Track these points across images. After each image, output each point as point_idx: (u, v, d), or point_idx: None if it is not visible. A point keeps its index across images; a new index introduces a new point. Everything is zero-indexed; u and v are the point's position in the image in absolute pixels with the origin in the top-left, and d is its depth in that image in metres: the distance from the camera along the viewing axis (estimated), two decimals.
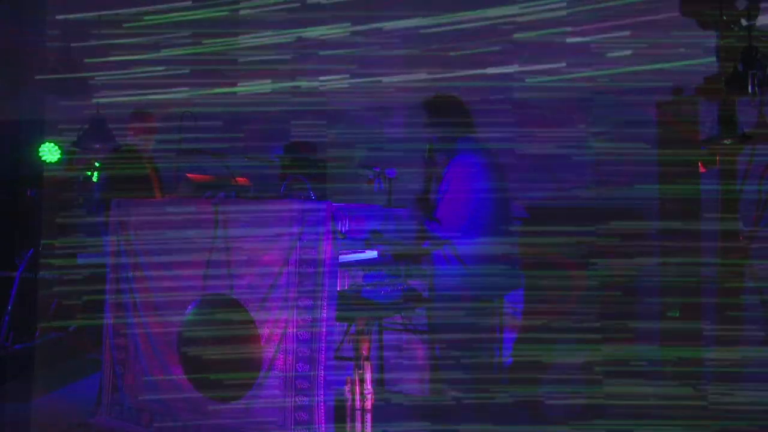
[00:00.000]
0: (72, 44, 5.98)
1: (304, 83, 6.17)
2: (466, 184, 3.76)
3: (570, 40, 5.30)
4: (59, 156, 6.28)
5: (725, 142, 4.50)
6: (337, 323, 3.38)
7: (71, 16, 5.91)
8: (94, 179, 4.65)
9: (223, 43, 6.07)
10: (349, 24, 5.86)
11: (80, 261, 5.43)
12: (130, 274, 3.84)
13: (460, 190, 3.76)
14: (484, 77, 5.58)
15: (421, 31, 5.71)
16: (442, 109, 3.96)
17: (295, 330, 3.31)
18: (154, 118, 4.87)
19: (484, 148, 3.95)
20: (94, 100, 6.15)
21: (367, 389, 3.32)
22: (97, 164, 6.19)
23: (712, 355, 4.57)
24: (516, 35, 5.43)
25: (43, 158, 6.26)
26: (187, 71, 6.13)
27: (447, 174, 3.82)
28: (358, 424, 3.31)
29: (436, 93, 4.13)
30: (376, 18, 5.81)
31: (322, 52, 6.07)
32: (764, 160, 4.65)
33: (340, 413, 3.29)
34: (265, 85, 6.12)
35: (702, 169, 4.89)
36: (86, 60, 6.08)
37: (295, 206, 3.37)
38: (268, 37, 6.05)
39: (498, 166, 3.94)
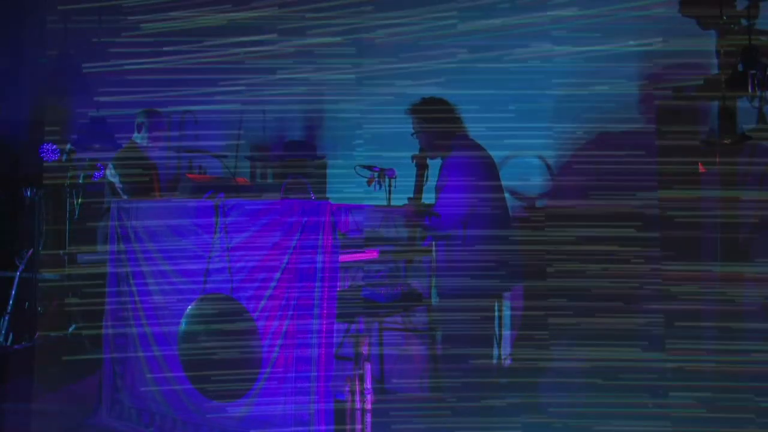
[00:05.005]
0: (72, 43, 5.97)
1: (305, 82, 6.17)
2: (464, 180, 3.76)
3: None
4: (59, 156, 6.27)
5: (725, 142, 4.49)
6: (337, 323, 3.39)
7: (71, 14, 5.91)
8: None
9: (225, 42, 6.06)
10: (348, 18, 5.84)
11: (80, 261, 5.43)
12: (131, 274, 3.84)
13: (458, 185, 3.76)
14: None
15: (421, 33, 5.70)
16: (430, 112, 3.94)
17: (295, 330, 3.31)
18: (167, 121, 4.86)
19: (478, 145, 3.96)
20: (95, 99, 6.15)
21: (367, 389, 3.32)
22: (97, 164, 6.18)
23: (712, 357, 4.56)
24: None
25: (43, 158, 6.25)
26: (188, 71, 6.13)
27: (444, 170, 3.82)
28: (358, 424, 3.31)
29: (421, 97, 4.08)
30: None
31: (321, 50, 6.06)
32: (764, 161, 4.64)
33: (340, 413, 3.29)
34: (266, 85, 6.11)
35: (702, 170, 4.89)
36: (86, 59, 6.07)
37: (295, 206, 3.37)
38: (269, 37, 6.05)
39: (492, 164, 3.96)
